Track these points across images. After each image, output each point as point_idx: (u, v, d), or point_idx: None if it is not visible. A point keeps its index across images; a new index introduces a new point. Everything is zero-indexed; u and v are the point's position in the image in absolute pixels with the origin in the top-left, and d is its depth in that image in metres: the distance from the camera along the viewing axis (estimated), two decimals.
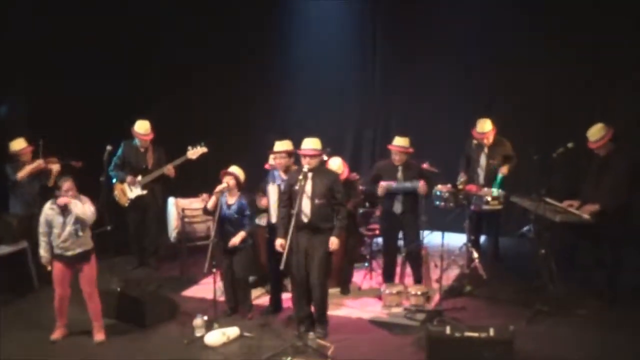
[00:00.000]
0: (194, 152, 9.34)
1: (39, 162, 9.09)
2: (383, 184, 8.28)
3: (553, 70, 10.09)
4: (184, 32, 11.64)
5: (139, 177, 9.48)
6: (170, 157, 9.57)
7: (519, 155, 9.28)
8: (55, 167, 9.09)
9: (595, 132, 7.88)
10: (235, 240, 7.76)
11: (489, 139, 9.27)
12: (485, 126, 9.24)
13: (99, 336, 7.43)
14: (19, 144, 9.14)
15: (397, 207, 8.33)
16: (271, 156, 8.19)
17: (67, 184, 7.21)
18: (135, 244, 9.79)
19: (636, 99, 9.65)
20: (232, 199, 7.86)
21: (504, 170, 9.15)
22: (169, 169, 9.43)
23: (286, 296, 8.18)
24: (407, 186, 8.23)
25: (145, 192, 9.53)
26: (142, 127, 9.49)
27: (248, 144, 11.13)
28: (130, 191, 9.55)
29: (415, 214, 8.41)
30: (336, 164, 8.54)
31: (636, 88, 9.66)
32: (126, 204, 9.59)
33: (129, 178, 9.50)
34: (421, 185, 8.16)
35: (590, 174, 8.09)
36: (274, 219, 7.81)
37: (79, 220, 7.20)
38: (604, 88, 9.94)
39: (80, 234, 7.25)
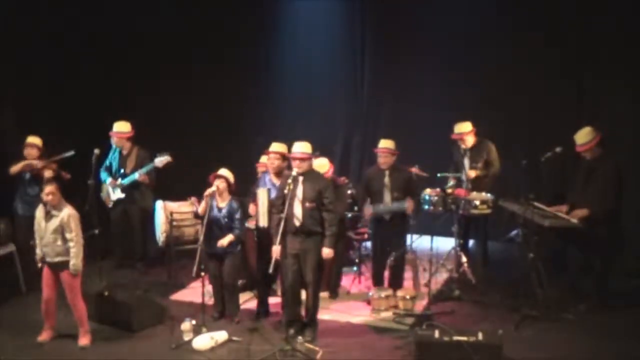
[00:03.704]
0: (160, 161, 9.30)
1: (32, 162, 9.05)
2: (368, 209, 8.38)
3: (542, 75, 10.12)
4: (170, 33, 11.61)
5: (119, 180, 9.48)
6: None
7: (504, 161, 9.30)
8: (47, 174, 9.04)
9: (583, 136, 7.91)
10: (223, 241, 7.73)
11: (466, 141, 9.28)
12: (462, 127, 9.27)
13: (84, 341, 7.40)
14: (31, 139, 9.17)
15: (387, 215, 8.37)
16: (263, 156, 8.19)
17: (48, 188, 7.19)
18: (117, 246, 9.79)
19: (625, 103, 9.69)
20: (223, 203, 7.84)
21: (470, 174, 9.18)
22: (140, 176, 9.39)
23: (274, 300, 8.18)
24: (393, 208, 8.28)
25: (123, 195, 9.52)
26: (115, 126, 9.52)
27: (236, 147, 11.11)
28: (112, 193, 9.57)
29: (403, 221, 8.43)
30: (322, 161, 8.53)
31: (625, 92, 9.70)
32: (110, 205, 9.63)
33: (109, 180, 9.52)
34: (408, 205, 8.19)
35: (578, 179, 8.12)
36: (262, 223, 7.79)
37: (59, 230, 7.20)
38: (593, 92, 9.97)
39: (59, 243, 7.23)
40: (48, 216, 7.23)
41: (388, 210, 8.30)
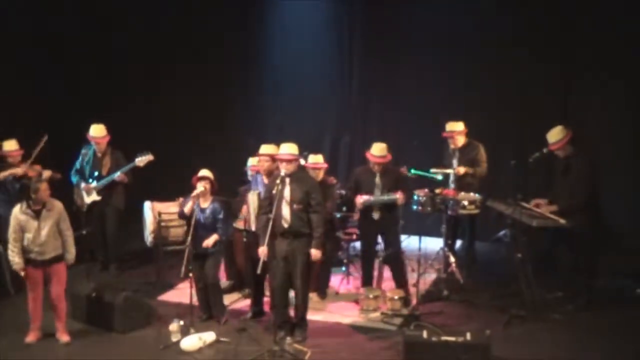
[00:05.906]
0: (142, 160, 9.26)
1: (16, 171, 9.01)
2: (360, 199, 8.30)
3: (531, 75, 10.15)
4: (156, 33, 11.60)
5: (93, 184, 9.42)
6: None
7: (492, 161, 9.31)
8: (47, 173, 9.01)
9: (554, 135, 8.00)
10: (209, 242, 7.72)
11: (456, 140, 9.28)
12: (454, 126, 9.28)
13: (65, 337, 7.42)
14: (9, 145, 9.13)
15: (375, 214, 8.35)
16: (250, 159, 8.17)
17: (44, 185, 7.20)
18: (99, 247, 9.74)
19: (611, 103, 9.74)
20: (206, 203, 7.82)
21: (460, 170, 9.15)
22: (119, 176, 9.35)
23: (265, 300, 8.17)
24: (384, 199, 8.24)
25: (99, 197, 9.46)
26: (95, 130, 9.44)
27: (225, 148, 11.10)
28: (86, 196, 9.49)
29: (394, 219, 8.43)
30: (317, 157, 8.54)
31: (612, 93, 9.75)
32: (83, 209, 9.51)
33: (83, 184, 9.46)
34: (399, 197, 8.16)
35: (556, 178, 8.18)
36: (254, 227, 7.76)
37: (55, 225, 7.21)
38: (582, 93, 10.01)
39: (56, 238, 7.25)
40: (40, 214, 7.19)
41: (380, 201, 8.26)
